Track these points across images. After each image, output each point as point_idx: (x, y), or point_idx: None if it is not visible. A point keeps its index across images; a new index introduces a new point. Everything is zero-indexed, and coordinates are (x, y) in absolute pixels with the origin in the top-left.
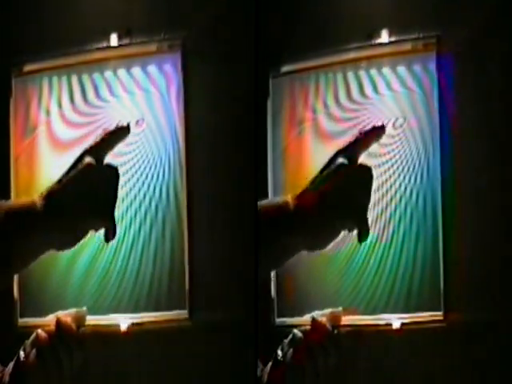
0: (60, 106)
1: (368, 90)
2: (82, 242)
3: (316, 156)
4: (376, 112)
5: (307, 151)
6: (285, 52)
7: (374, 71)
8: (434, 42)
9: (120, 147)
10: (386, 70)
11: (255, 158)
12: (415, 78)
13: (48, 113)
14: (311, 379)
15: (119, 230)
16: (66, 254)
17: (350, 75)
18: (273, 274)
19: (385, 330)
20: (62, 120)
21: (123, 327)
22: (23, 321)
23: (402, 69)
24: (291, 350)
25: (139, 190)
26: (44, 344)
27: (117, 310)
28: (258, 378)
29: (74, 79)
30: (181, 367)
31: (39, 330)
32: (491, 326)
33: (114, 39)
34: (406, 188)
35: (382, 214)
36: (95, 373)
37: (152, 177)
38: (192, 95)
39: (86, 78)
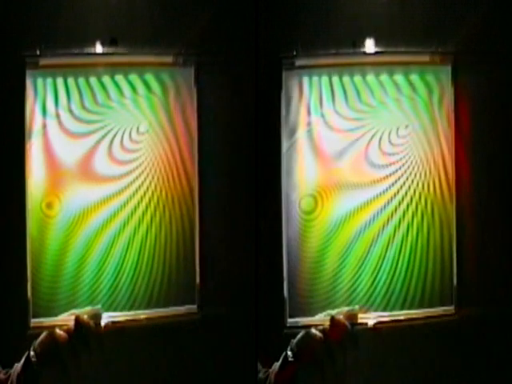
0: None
1: (368, 97)
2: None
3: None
4: (380, 118)
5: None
6: (292, 48)
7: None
8: (434, 52)
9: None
10: (384, 78)
11: (256, 160)
12: (414, 86)
13: (46, 114)
14: (330, 377)
15: (129, 230)
16: (76, 253)
17: (347, 80)
18: (285, 273)
19: (398, 326)
20: (59, 126)
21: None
22: (36, 321)
23: (400, 77)
24: (305, 349)
25: (147, 189)
26: (63, 343)
27: (132, 307)
28: (262, 379)
29: (76, 82)
30: (183, 364)
31: (56, 330)
32: (502, 321)
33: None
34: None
35: (393, 214)
36: (105, 367)
37: (162, 177)
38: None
39: (86, 81)
